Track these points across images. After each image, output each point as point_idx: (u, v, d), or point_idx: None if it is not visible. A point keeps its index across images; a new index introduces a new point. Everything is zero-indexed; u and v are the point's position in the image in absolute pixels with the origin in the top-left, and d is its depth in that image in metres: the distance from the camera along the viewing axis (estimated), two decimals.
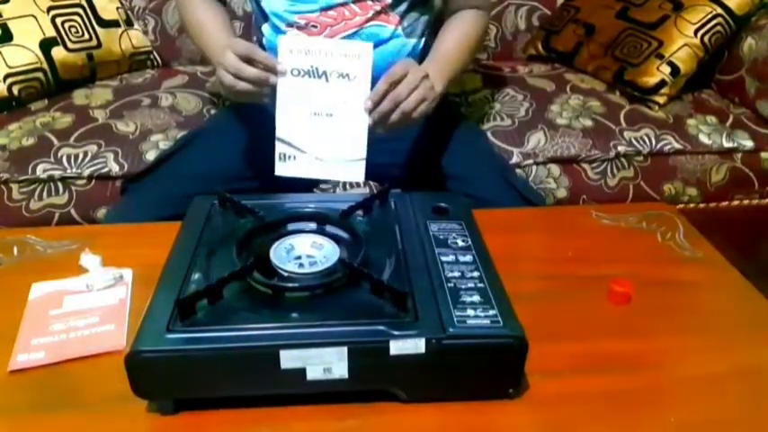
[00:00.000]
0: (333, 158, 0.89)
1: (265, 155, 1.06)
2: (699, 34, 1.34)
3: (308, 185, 1.15)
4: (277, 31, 1.05)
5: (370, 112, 0.87)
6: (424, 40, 1.09)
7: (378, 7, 1.01)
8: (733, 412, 0.59)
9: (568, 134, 1.26)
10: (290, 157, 0.89)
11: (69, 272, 0.73)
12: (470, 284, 0.62)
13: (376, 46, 1.04)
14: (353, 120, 0.87)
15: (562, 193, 1.24)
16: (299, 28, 1.03)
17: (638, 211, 0.90)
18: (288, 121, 0.88)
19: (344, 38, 1.02)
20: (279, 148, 0.89)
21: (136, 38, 1.48)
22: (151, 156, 1.17)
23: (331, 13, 1.01)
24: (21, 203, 1.15)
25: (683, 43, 1.34)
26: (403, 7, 1.04)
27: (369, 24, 1.02)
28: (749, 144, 1.29)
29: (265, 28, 1.07)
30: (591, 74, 1.47)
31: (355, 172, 0.89)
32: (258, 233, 0.69)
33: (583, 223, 0.88)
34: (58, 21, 1.35)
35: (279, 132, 0.88)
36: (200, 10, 1.06)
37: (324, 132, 0.88)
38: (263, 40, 1.09)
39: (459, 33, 1.05)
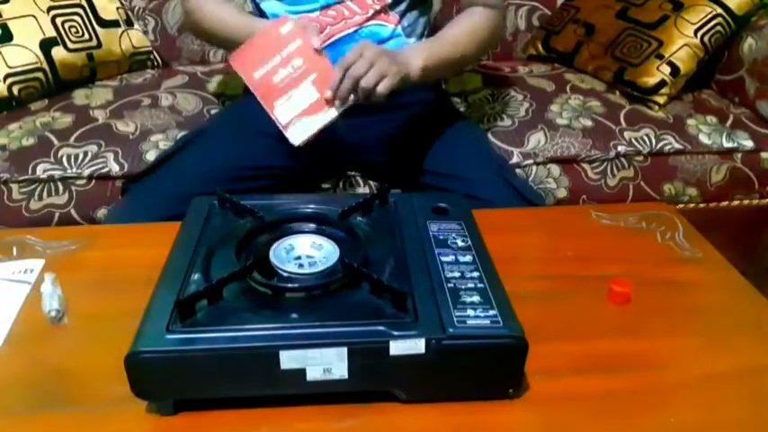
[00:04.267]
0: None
1: (265, 155, 1.06)
2: (699, 34, 1.34)
3: (308, 186, 1.16)
4: None
5: (333, 99, 0.88)
6: (424, 39, 1.09)
7: (377, 6, 1.01)
8: (733, 412, 0.59)
9: (568, 134, 1.26)
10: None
11: (70, 272, 0.73)
12: (470, 285, 0.62)
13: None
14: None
15: (562, 193, 1.24)
16: None
17: (638, 211, 0.90)
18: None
19: (344, 37, 1.02)
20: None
21: (136, 38, 1.48)
22: (151, 156, 1.17)
23: (330, 12, 1.01)
24: (21, 203, 1.15)
25: (683, 43, 1.34)
26: (402, 6, 1.04)
27: (369, 24, 1.02)
28: (749, 144, 1.29)
29: None
30: (591, 74, 1.47)
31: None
32: (258, 233, 0.69)
33: (583, 223, 0.88)
34: (58, 21, 1.35)
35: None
36: (211, 7, 1.07)
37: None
38: None
39: (461, 23, 1.04)
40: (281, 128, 0.90)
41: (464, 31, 1.02)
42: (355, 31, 1.02)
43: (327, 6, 1.01)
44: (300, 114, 0.89)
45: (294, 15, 1.02)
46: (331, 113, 0.90)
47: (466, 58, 1.05)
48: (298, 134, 0.90)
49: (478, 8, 1.05)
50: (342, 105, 0.89)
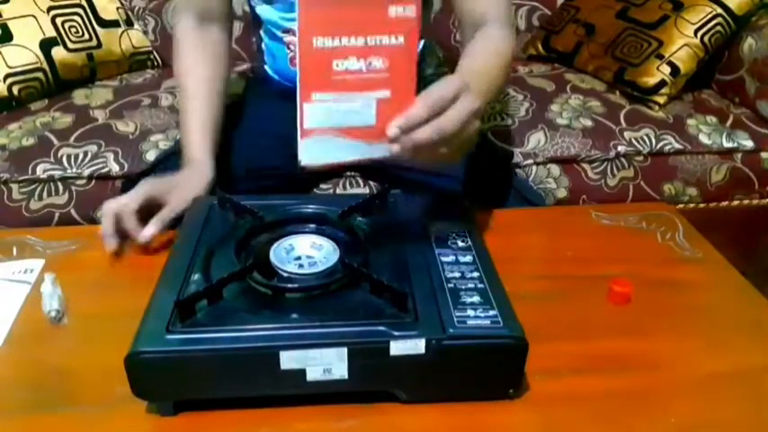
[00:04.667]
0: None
1: (265, 155, 1.06)
2: (699, 34, 1.34)
3: (308, 186, 1.15)
4: (272, 37, 1.05)
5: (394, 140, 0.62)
6: (422, 42, 1.09)
7: None
8: (733, 412, 0.59)
9: (568, 134, 1.26)
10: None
11: (70, 272, 0.73)
12: (470, 285, 0.62)
13: None
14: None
15: (562, 193, 1.24)
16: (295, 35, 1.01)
17: (638, 211, 0.90)
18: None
19: None
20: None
21: (136, 38, 1.49)
22: (151, 156, 1.17)
23: None
24: (21, 203, 1.15)
25: (683, 43, 1.34)
26: None
27: None
28: (749, 144, 1.29)
29: (262, 32, 1.07)
30: (591, 74, 1.47)
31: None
32: (258, 234, 0.69)
33: (583, 223, 0.88)
34: (58, 21, 1.36)
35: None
36: (185, 61, 1.05)
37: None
38: (262, 44, 1.09)
39: (491, 47, 0.89)
40: (298, 129, 0.61)
41: (498, 52, 0.89)
42: None
43: None
44: (334, 131, 0.61)
45: (289, 22, 1.01)
46: (376, 151, 0.62)
47: (500, 88, 0.92)
48: (313, 153, 0.62)
49: (494, 30, 0.91)
50: (398, 152, 0.62)
